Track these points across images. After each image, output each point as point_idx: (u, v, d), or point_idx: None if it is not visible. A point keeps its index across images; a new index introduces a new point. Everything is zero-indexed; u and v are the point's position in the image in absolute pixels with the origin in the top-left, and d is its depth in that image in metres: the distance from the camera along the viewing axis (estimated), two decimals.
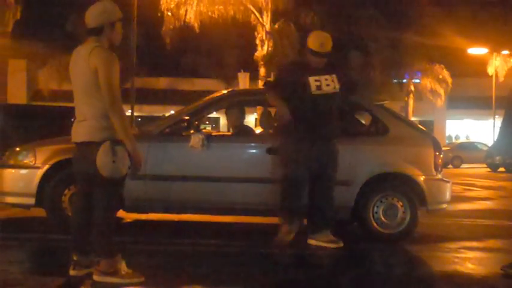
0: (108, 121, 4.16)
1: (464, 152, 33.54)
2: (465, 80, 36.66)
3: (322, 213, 5.86)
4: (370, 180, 6.24)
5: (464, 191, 13.99)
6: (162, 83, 39.24)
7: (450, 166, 31.10)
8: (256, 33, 26.00)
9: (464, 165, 32.40)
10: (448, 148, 32.88)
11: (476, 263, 5.59)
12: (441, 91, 35.71)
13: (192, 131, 6.26)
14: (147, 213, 6.81)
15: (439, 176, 6.48)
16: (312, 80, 5.68)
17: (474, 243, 6.56)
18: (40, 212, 6.46)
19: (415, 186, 6.30)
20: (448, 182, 6.57)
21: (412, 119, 32.12)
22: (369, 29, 31.26)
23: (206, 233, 6.76)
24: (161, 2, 24.28)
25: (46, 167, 6.22)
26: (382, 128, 6.56)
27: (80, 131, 4.27)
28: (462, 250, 6.11)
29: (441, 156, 6.53)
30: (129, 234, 6.44)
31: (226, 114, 7.11)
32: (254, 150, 6.51)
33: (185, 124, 6.28)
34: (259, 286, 4.53)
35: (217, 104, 7.09)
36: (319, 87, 5.68)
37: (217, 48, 34.33)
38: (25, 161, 6.34)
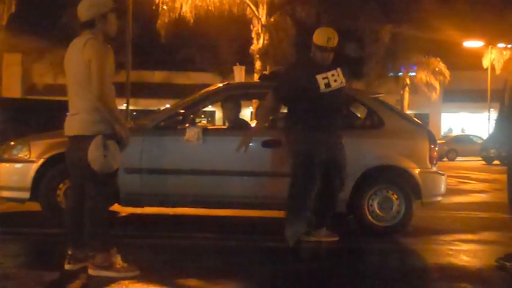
0: (100, 115, 4.15)
1: (459, 145, 33.59)
2: (460, 73, 36.68)
3: (328, 212, 5.88)
4: (366, 173, 6.25)
5: (459, 184, 14.03)
6: (157, 76, 39.18)
7: (445, 159, 31.16)
8: (252, 27, 25.96)
9: (459, 158, 32.46)
10: (443, 141, 32.93)
11: (470, 255, 5.61)
12: (436, 84, 35.74)
13: (187, 125, 6.26)
14: (143, 207, 6.81)
15: (434, 169, 6.49)
16: (319, 78, 5.61)
17: (469, 236, 6.58)
18: (35, 206, 6.45)
19: (410, 179, 6.31)
20: (443, 174, 6.59)
21: (408, 112, 32.15)
22: (365, 22, 31.27)
23: (202, 227, 6.77)
24: None
25: (41, 161, 6.21)
26: (378, 121, 6.56)
27: (73, 125, 4.27)
28: (457, 243, 6.13)
29: (436, 149, 6.54)
30: (124, 228, 6.46)
31: (222, 107, 7.11)
32: (250, 144, 6.49)
33: (180, 118, 6.27)
34: (257, 280, 4.53)
35: (212, 97, 7.09)
36: (327, 85, 5.60)
37: (213, 42, 34.28)
38: (20, 155, 6.33)
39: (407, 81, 36.36)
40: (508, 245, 6.17)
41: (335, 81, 5.63)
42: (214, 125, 24.21)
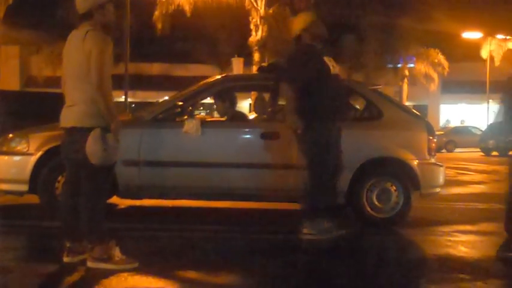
0: (98, 107, 4.14)
1: (458, 136, 33.56)
2: (459, 65, 36.61)
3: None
4: (364, 165, 6.25)
5: (457, 175, 14.04)
6: (156, 68, 39.10)
7: (444, 150, 31.15)
8: (250, 18, 25.87)
9: (458, 150, 32.46)
10: (442, 132, 32.94)
11: (469, 246, 5.62)
12: (435, 76, 35.72)
13: (185, 117, 6.25)
14: (141, 199, 6.80)
15: (433, 160, 6.50)
16: (327, 59, 5.57)
17: (467, 227, 6.59)
18: (33, 199, 6.44)
19: (409, 170, 6.31)
20: (441, 166, 6.59)
21: (406, 103, 32.14)
22: (363, 13, 31.18)
23: (200, 219, 6.77)
24: None
25: (39, 153, 6.21)
26: (376, 112, 6.56)
27: (69, 116, 4.25)
28: (455, 233, 6.14)
29: (435, 140, 6.54)
30: (123, 221, 6.45)
31: (216, 101, 7.09)
32: (249, 136, 6.50)
33: (179, 110, 6.26)
34: (258, 272, 4.53)
35: (211, 89, 7.06)
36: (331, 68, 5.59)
37: (211, 34, 34.18)
38: (18, 148, 6.32)
39: (406, 72, 36.30)
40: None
41: (333, 66, 5.61)
42: (212, 117, 24.20)
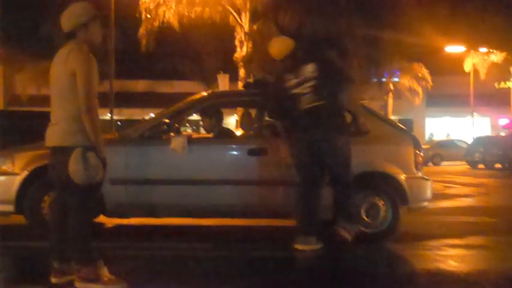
0: (79, 125, 4.11)
1: (443, 150, 33.79)
2: (443, 78, 36.94)
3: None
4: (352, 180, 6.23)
5: (444, 189, 14.08)
6: (141, 85, 39.06)
7: (430, 164, 31.32)
8: (235, 34, 25.95)
9: (444, 163, 32.65)
10: (428, 146, 33.13)
11: (458, 260, 5.62)
12: (419, 89, 35.97)
13: (172, 134, 6.23)
14: (129, 217, 6.75)
15: (420, 174, 6.51)
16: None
17: (456, 241, 6.59)
18: (20, 219, 6.37)
19: (396, 184, 6.32)
20: (428, 179, 6.61)
21: (392, 117, 32.30)
22: (347, 28, 31.37)
23: (189, 237, 6.72)
24: (140, 3, 24.13)
25: (25, 173, 6.15)
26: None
27: (52, 135, 4.24)
28: (444, 248, 6.14)
29: (421, 154, 6.56)
30: (111, 240, 6.40)
31: (202, 117, 7.09)
32: (236, 152, 6.48)
33: (165, 127, 6.23)
34: None
35: (197, 106, 7.05)
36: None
37: (196, 50, 34.21)
38: (3, 168, 6.27)
39: (391, 86, 36.54)
40: (494, 249, 6.21)
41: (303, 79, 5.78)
42: (199, 133, 24.16)
